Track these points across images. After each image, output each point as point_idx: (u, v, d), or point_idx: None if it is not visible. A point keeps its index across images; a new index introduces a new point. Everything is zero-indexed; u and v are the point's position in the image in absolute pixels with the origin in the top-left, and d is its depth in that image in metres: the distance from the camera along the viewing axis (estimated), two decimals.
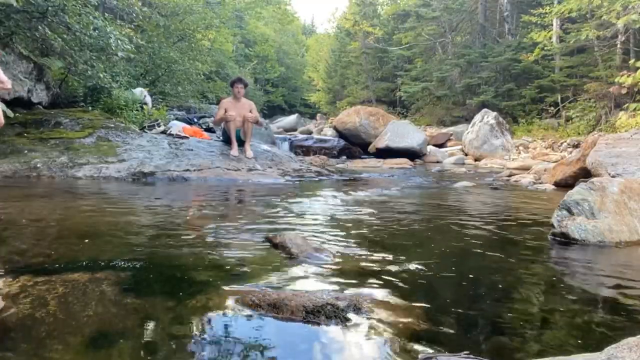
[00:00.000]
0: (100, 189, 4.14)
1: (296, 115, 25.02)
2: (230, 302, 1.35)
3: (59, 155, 5.05)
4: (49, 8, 5.55)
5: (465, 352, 1.07)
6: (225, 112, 6.02)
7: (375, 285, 1.55)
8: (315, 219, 2.94)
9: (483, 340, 1.17)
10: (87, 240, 2.12)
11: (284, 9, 36.73)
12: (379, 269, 1.77)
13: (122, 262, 1.71)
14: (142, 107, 7.53)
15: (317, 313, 1.24)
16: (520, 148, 12.33)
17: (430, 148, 11.69)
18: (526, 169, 8.16)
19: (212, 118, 8.08)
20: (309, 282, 1.57)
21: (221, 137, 6.62)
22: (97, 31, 6.09)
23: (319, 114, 30.60)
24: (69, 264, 1.68)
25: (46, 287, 1.40)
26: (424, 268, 1.84)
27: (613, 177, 3.92)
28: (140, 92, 7.90)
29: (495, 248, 2.28)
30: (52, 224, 2.46)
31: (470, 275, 1.78)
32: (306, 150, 11.09)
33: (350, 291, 1.46)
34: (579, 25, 14.04)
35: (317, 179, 5.78)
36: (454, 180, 6.01)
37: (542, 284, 1.69)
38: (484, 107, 13.93)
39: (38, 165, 4.76)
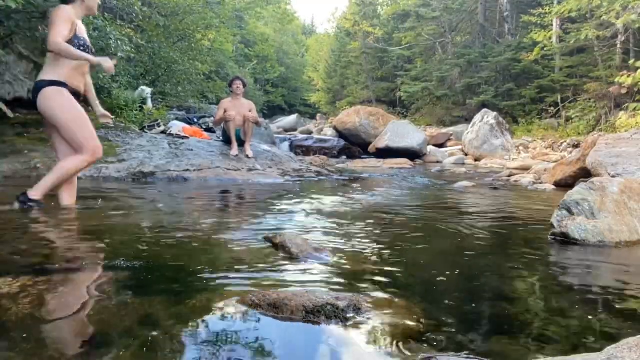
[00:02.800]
0: (99, 189, 4.14)
1: (296, 115, 25.03)
2: (230, 302, 1.35)
3: None
4: (49, 8, 5.54)
5: (465, 352, 1.07)
6: (225, 112, 6.03)
7: (375, 285, 1.55)
8: (315, 219, 2.94)
9: (483, 340, 1.17)
10: (87, 240, 2.12)
11: (284, 8, 36.70)
12: (379, 269, 1.77)
13: (122, 262, 1.71)
14: (141, 107, 7.54)
15: (317, 313, 1.23)
16: (520, 148, 12.34)
17: (430, 148, 11.69)
18: (526, 169, 8.17)
19: (212, 118, 8.10)
20: (309, 282, 1.57)
21: (221, 137, 6.62)
22: (97, 31, 6.09)
23: (319, 114, 30.61)
24: (69, 264, 1.68)
25: (46, 287, 1.40)
26: (424, 268, 1.84)
27: (613, 177, 3.92)
28: (150, 91, 7.96)
29: (495, 248, 2.28)
30: (52, 224, 2.46)
31: (470, 275, 1.78)
32: (306, 150, 11.09)
33: (350, 291, 1.46)
34: (579, 25, 14.05)
35: (317, 179, 5.78)
36: (454, 180, 6.01)
37: (542, 284, 1.68)
38: (484, 107, 13.94)
39: (38, 166, 4.76)
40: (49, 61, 2.71)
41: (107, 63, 2.74)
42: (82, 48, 2.70)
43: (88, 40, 2.84)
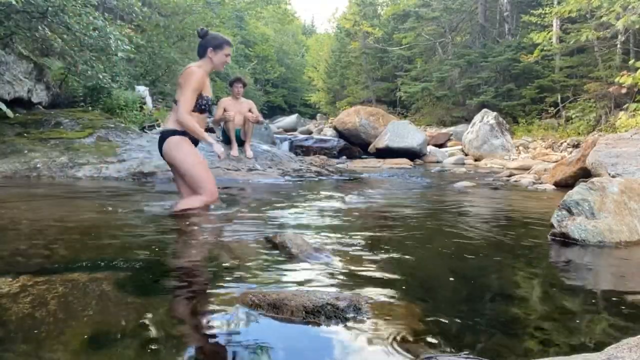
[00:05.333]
0: (100, 189, 4.14)
1: (296, 115, 24.98)
2: (230, 301, 1.35)
3: (59, 155, 5.05)
4: (49, 8, 5.54)
5: (465, 352, 1.07)
6: (225, 111, 6.02)
7: (375, 285, 1.55)
8: (315, 219, 2.94)
9: (483, 340, 1.17)
10: (87, 240, 2.12)
11: (284, 8, 36.68)
12: (379, 269, 1.77)
13: (122, 262, 1.71)
14: (141, 107, 7.54)
15: (317, 313, 1.24)
16: (520, 148, 12.33)
17: (430, 148, 11.68)
18: (526, 169, 8.16)
19: (212, 118, 8.09)
20: (309, 282, 1.57)
21: (221, 137, 6.62)
22: (97, 31, 6.09)
23: (319, 114, 30.61)
24: (69, 264, 1.68)
25: (46, 287, 1.40)
26: (424, 268, 1.84)
27: (613, 177, 3.92)
28: (147, 90, 7.95)
29: (495, 248, 2.28)
30: (52, 224, 2.46)
31: (470, 275, 1.78)
32: (306, 150, 11.06)
33: (350, 291, 1.46)
34: (579, 26, 14.04)
35: (317, 179, 5.78)
36: (454, 180, 6.00)
37: (542, 284, 1.68)
38: (484, 107, 13.91)
39: (38, 166, 4.76)
40: (174, 111, 2.90)
41: (219, 150, 3.03)
42: (203, 107, 2.90)
43: (210, 95, 2.98)
